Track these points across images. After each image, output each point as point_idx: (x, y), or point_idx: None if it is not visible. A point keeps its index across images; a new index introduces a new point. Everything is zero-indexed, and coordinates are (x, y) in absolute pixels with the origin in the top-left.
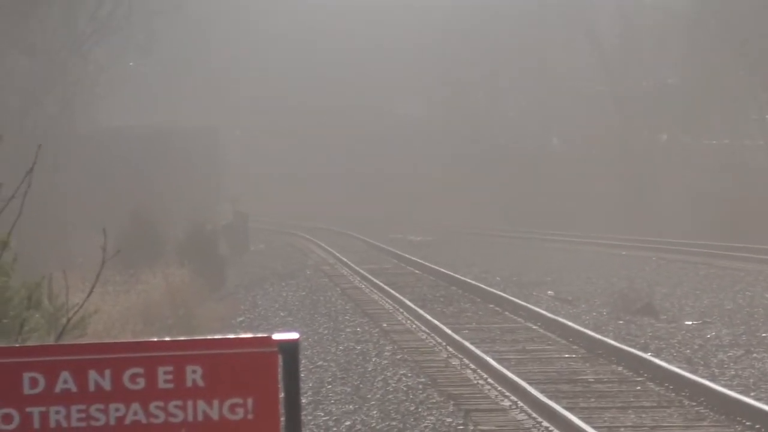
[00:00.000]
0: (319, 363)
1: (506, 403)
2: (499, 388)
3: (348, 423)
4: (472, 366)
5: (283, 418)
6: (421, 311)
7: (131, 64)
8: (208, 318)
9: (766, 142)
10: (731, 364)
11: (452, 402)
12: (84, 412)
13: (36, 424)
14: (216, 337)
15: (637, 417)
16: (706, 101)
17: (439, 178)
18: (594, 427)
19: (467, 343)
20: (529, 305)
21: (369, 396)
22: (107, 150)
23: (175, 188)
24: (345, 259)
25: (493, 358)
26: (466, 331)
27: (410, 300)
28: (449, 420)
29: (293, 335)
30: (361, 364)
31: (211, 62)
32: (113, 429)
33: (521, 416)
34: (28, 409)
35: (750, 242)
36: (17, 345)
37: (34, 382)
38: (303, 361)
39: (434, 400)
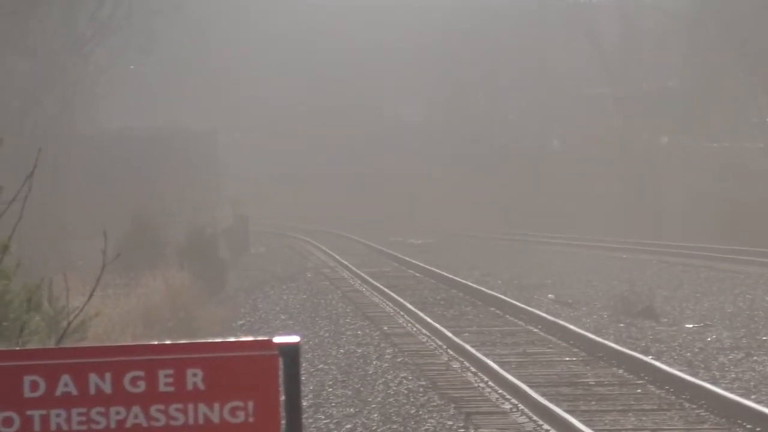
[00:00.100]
0: (320, 366)
1: (507, 406)
2: (500, 391)
3: (349, 426)
4: (473, 369)
5: (283, 421)
6: (421, 314)
7: (132, 67)
8: (209, 321)
9: (766, 145)
10: (732, 367)
11: (453, 405)
12: (85, 416)
13: (37, 428)
14: (217, 340)
15: (638, 420)
16: (706, 103)
17: (439, 178)
18: (595, 430)
19: (468, 346)
20: (529, 308)
21: (370, 399)
22: (107, 151)
23: (175, 190)
24: (345, 262)
25: (494, 361)
26: (467, 334)
27: (411, 303)
28: (450, 423)
29: (294, 338)
30: (361, 367)
31: (211, 62)
32: None
33: (522, 419)
34: (28, 413)
35: (750, 245)
36: (18, 348)
37: (34, 386)
38: (304, 364)
39: (435, 403)
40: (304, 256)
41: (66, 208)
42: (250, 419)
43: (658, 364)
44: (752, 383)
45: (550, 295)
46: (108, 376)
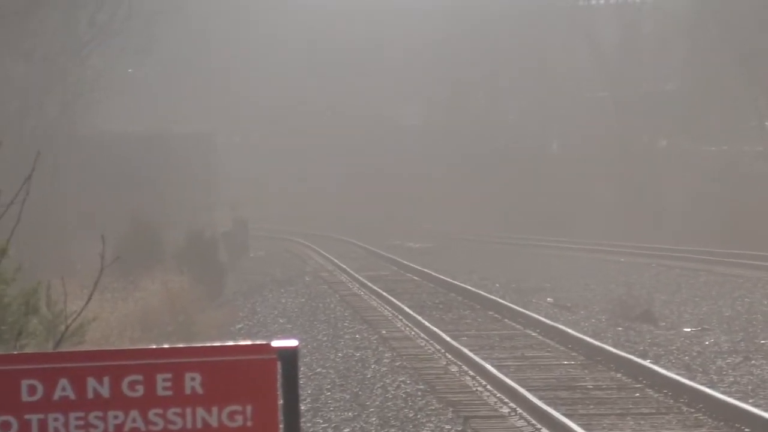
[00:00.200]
0: (318, 370)
1: (505, 409)
2: (498, 395)
3: (347, 430)
4: (471, 373)
5: (282, 426)
6: (420, 318)
7: (130, 70)
8: (207, 325)
9: (765, 148)
10: (730, 370)
11: (451, 409)
12: (82, 420)
13: None
14: (215, 344)
15: (636, 423)
16: (705, 105)
17: (439, 178)
18: None
19: (466, 350)
20: (528, 312)
21: (368, 403)
22: (107, 153)
23: (174, 192)
24: (344, 266)
25: (492, 365)
26: (465, 338)
27: (409, 307)
28: (448, 427)
29: (292, 342)
30: (360, 371)
31: (211, 63)
32: None
33: (520, 423)
34: (26, 416)
35: (749, 249)
36: (15, 352)
37: (32, 390)
38: (302, 368)
39: (433, 407)
40: (302, 259)
41: (65, 209)
42: (249, 423)
43: (656, 367)
44: (750, 387)
45: (548, 299)
46: (106, 380)
